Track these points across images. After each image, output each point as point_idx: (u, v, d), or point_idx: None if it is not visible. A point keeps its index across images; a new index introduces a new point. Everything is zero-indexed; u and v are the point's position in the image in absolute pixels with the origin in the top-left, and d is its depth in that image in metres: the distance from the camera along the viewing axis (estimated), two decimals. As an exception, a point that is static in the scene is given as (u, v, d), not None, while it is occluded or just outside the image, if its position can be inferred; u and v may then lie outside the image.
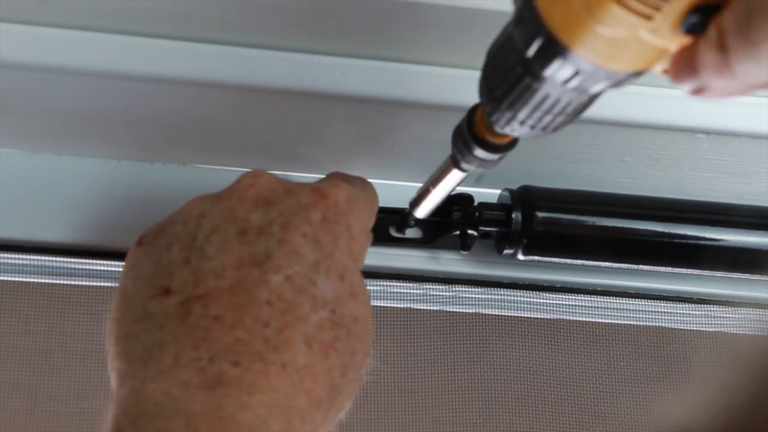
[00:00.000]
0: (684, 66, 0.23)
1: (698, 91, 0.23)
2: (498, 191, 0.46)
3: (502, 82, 0.26)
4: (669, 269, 0.45)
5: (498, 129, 0.29)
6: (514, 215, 0.43)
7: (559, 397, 0.49)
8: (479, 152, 0.31)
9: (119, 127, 0.44)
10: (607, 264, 0.45)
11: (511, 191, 0.44)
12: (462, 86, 0.39)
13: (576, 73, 0.24)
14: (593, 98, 0.26)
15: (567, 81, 0.24)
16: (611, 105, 0.40)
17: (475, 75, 0.35)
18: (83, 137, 0.45)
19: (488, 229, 0.44)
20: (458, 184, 0.37)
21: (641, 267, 0.45)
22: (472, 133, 0.31)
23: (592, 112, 0.41)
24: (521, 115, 0.27)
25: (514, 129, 0.28)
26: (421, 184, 0.40)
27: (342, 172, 0.37)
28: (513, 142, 0.32)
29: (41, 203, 0.45)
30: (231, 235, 0.30)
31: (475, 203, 0.45)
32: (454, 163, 0.34)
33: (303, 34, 0.38)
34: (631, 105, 0.41)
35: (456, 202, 0.44)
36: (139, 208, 0.46)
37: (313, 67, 0.39)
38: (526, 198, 0.43)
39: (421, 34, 0.38)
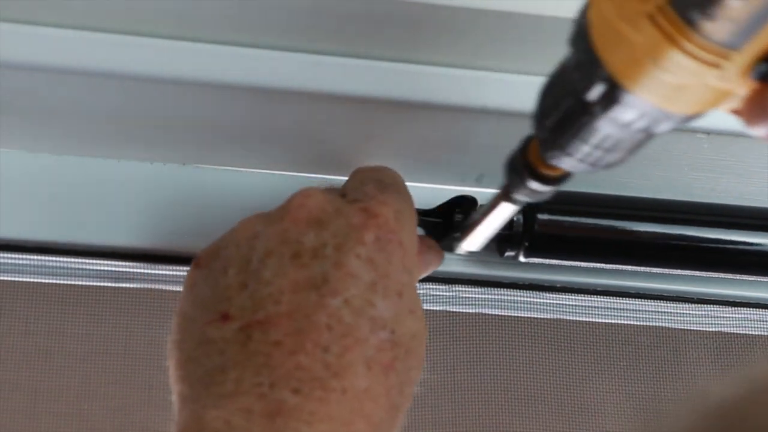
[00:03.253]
0: (757, 111, 0.22)
1: None
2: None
3: (558, 120, 0.26)
4: (670, 270, 0.45)
5: (552, 163, 0.29)
6: (515, 217, 0.43)
7: (559, 397, 0.49)
8: (533, 184, 0.31)
9: (118, 127, 0.43)
10: (609, 266, 0.45)
11: (512, 192, 0.44)
12: (462, 86, 0.39)
13: (638, 117, 0.23)
14: (653, 135, 0.26)
15: (628, 124, 0.24)
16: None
17: (476, 75, 0.35)
18: (82, 137, 0.45)
19: (490, 229, 0.44)
20: (509, 218, 0.36)
21: (642, 268, 0.45)
22: (526, 165, 0.31)
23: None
24: (578, 154, 0.26)
25: (568, 164, 0.28)
26: (421, 185, 0.40)
27: (368, 170, 0.36)
28: (567, 175, 0.31)
29: (40, 203, 0.45)
30: (286, 258, 0.30)
31: (478, 205, 0.45)
32: (504, 195, 0.34)
33: (303, 33, 0.38)
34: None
35: (458, 203, 0.44)
36: (138, 208, 0.46)
37: (314, 67, 0.38)
38: (527, 200, 0.43)
39: (420, 34, 0.38)
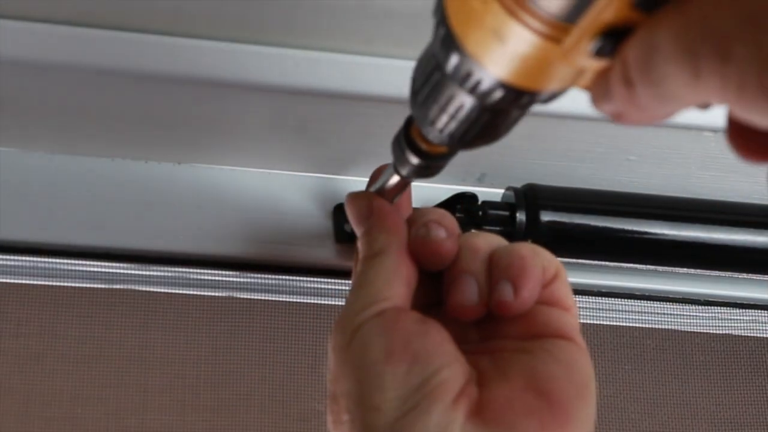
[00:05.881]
0: (599, 91, 0.21)
1: (616, 118, 0.22)
2: (502, 191, 0.46)
3: (420, 81, 0.26)
4: (675, 269, 0.45)
5: (423, 134, 0.29)
6: (518, 214, 0.42)
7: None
8: (413, 159, 0.31)
9: (113, 125, 0.43)
10: (613, 263, 0.44)
11: (515, 190, 0.43)
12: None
13: (490, 90, 0.23)
14: (501, 114, 0.25)
15: (484, 96, 0.24)
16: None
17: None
18: (76, 135, 0.44)
19: (492, 228, 0.43)
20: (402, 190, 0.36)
21: (647, 267, 0.45)
22: (407, 139, 0.31)
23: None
24: (432, 115, 0.27)
25: (429, 132, 0.28)
26: (424, 184, 0.40)
27: None
28: (446, 153, 0.31)
29: (33, 203, 0.44)
30: None
31: (479, 202, 0.44)
32: (395, 169, 0.34)
33: (299, 30, 0.37)
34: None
35: (459, 201, 0.44)
36: (133, 208, 0.45)
37: (313, 65, 0.38)
38: (530, 197, 0.43)
39: (422, 30, 0.37)
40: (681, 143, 0.43)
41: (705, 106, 0.20)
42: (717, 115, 0.41)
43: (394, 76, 0.38)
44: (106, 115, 0.42)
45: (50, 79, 0.38)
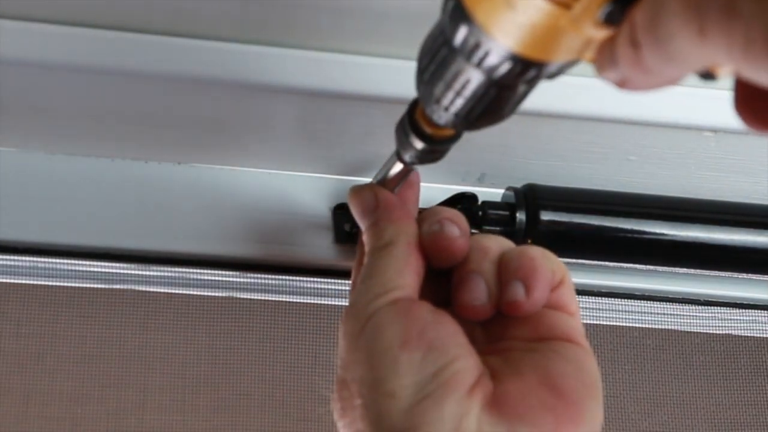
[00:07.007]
0: (605, 57, 0.22)
1: (621, 84, 0.22)
2: (502, 191, 0.46)
3: (426, 59, 0.27)
4: (675, 269, 0.45)
5: (428, 114, 0.29)
6: (518, 214, 0.42)
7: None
8: (417, 143, 0.31)
9: (112, 125, 0.43)
10: (613, 264, 0.44)
11: (515, 190, 0.43)
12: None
13: (499, 62, 0.23)
14: (507, 90, 0.25)
15: (491, 69, 0.24)
16: (616, 102, 0.40)
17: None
18: (75, 135, 0.44)
19: (492, 228, 0.43)
20: (404, 178, 0.36)
21: (647, 267, 0.45)
22: (411, 123, 0.31)
23: (597, 109, 0.40)
24: (437, 92, 0.27)
25: (434, 111, 0.28)
26: (424, 184, 0.40)
27: None
28: (449, 136, 0.31)
29: (33, 203, 0.44)
30: None
31: (479, 202, 0.44)
32: (397, 155, 0.34)
33: (299, 30, 0.37)
34: (636, 102, 0.40)
35: (459, 201, 0.44)
36: (132, 208, 0.45)
37: (313, 64, 0.38)
38: (530, 197, 0.42)
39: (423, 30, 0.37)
40: (681, 143, 0.43)
41: (709, 75, 0.20)
42: (717, 115, 0.41)
43: (394, 76, 0.38)
44: (106, 115, 0.42)
45: (50, 79, 0.38)
